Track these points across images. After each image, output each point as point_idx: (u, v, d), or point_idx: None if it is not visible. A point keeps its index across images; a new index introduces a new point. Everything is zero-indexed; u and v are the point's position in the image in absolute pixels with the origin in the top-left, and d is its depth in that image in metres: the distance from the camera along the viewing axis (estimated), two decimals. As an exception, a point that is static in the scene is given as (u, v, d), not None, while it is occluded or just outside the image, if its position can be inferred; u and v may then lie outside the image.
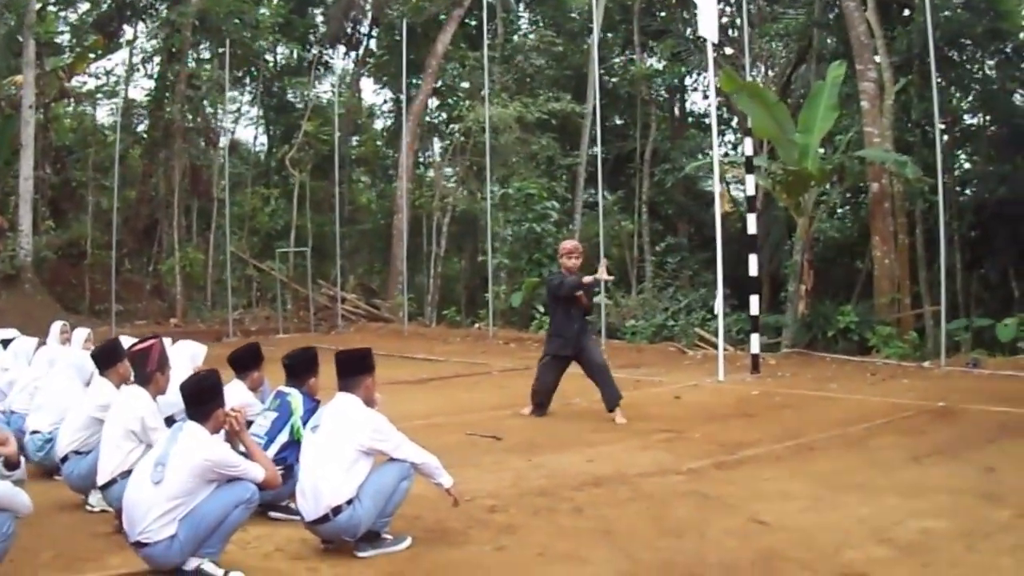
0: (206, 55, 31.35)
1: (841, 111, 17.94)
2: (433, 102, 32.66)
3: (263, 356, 8.11)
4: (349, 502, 5.82)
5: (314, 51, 36.59)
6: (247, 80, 34.16)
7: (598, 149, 24.35)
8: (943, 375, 14.03)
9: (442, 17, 29.74)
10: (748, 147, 14.65)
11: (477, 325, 24.11)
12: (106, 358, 7.68)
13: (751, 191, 14.69)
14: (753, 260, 14.66)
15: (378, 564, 5.85)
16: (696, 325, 19.82)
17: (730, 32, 22.34)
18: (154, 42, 29.33)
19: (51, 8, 29.41)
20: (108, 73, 31.62)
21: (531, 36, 30.76)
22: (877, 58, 18.23)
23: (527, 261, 23.97)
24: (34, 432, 8.18)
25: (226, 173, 26.49)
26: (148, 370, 6.87)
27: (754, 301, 14.72)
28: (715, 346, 17.37)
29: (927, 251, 18.53)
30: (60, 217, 28.95)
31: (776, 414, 11.03)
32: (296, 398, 7.04)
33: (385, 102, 37.25)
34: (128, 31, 30.30)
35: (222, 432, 5.92)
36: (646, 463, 8.53)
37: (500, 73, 28.76)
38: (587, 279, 10.81)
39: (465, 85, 31.71)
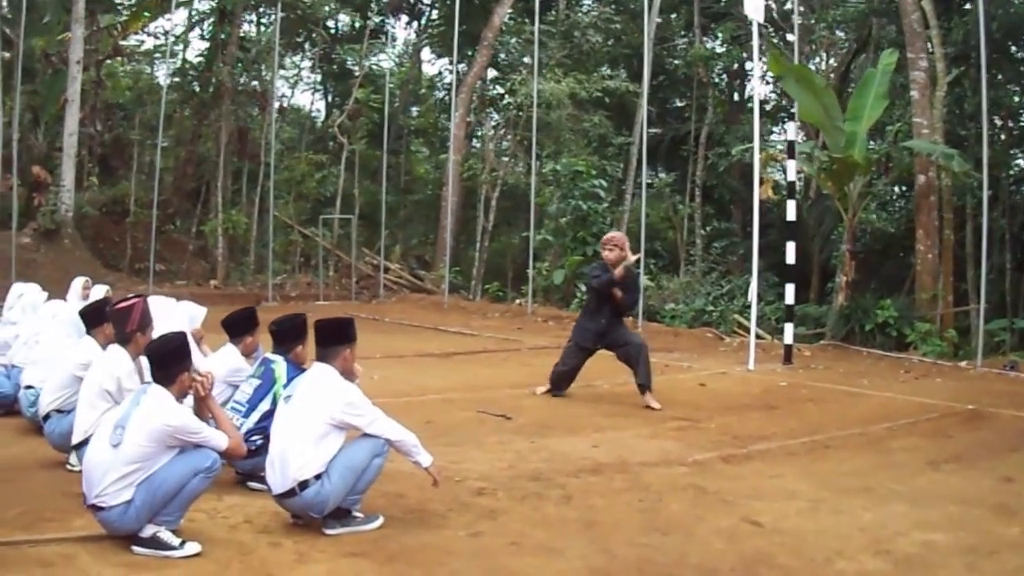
0: (267, 20, 31.41)
1: (892, 101, 17.38)
2: (491, 74, 32.42)
3: (258, 321, 7.83)
4: (318, 477, 5.60)
5: (375, 19, 36.61)
6: (307, 46, 34.08)
7: (638, 129, 23.77)
8: (978, 376, 13.49)
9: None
10: (791, 131, 14.23)
11: (518, 301, 23.83)
12: (93, 317, 7.56)
13: (791, 176, 14.23)
14: (791, 248, 14.21)
15: (343, 543, 5.63)
16: (736, 312, 19.39)
17: (794, 18, 21.66)
18: (207, 3, 29.17)
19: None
20: (167, 33, 31.68)
21: (592, 13, 30.10)
22: (931, 47, 17.60)
23: (572, 239, 23.60)
24: (27, 387, 8.07)
25: (272, 137, 26.36)
26: (128, 330, 6.68)
27: (789, 290, 14.28)
28: (757, 334, 17.07)
29: (975, 248, 17.89)
30: (110, 174, 29.06)
31: (799, 407, 10.65)
32: (280, 366, 6.82)
33: (439, 73, 37.10)
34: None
35: (190, 397, 5.70)
36: (652, 452, 8.22)
37: (556, 48, 28.36)
38: (617, 272, 10.39)
39: (525, 59, 31.33)
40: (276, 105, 28.19)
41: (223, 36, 27.61)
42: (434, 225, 31.63)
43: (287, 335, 6.97)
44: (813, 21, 25.20)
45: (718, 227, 26.84)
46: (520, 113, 27.78)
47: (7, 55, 24.70)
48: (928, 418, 10.03)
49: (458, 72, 29.16)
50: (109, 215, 27.81)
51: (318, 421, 5.69)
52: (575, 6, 31.08)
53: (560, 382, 11.07)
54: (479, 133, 33.67)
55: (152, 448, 5.30)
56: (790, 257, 14.21)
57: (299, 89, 37.34)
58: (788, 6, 26.96)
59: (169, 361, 5.57)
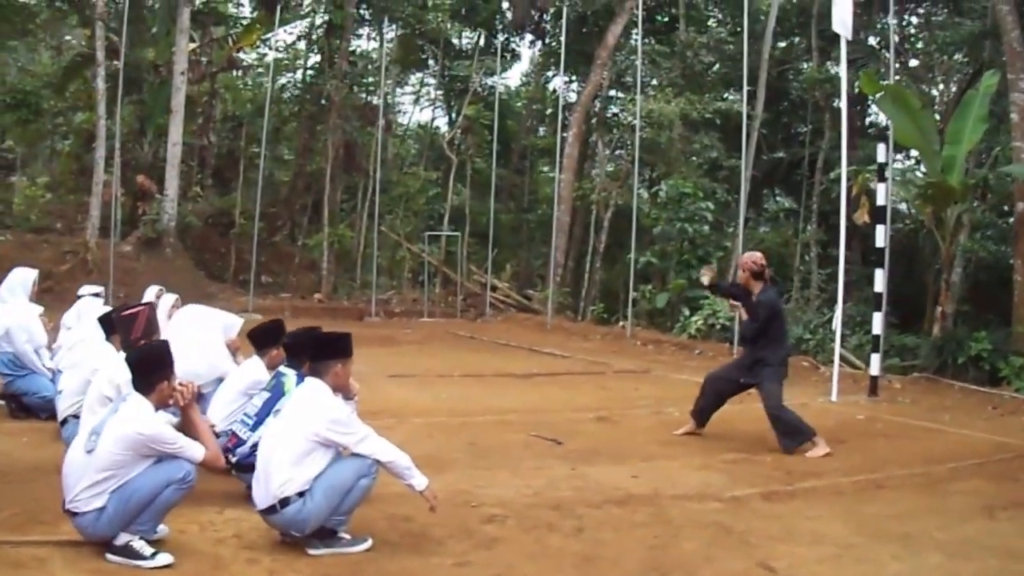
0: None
1: (996, 124, 16.53)
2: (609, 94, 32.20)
3: (286, 334, 7.74)
4: (301, 495, 5.49)
5: (500, 37, 36.87)
6: (431, 62, 34.37)
7: (750, 152, 23.21)
8: (1071, 417, 12.64)
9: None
10: (881, 153, 13.54)
11: (621, 324, 23.46)
12: (111, 323, 7.58)
13: (881, 201, 13.60)
14: (879, 275, 13.61)
15: (322, 564, 5.50)
16: (834, 341, 18.62)
17: (891, 35, 20.85)
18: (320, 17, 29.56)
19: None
20: (289, 47, 32.32)
21: (706, 33, 29.62)
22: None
23: (677, 262, 23.23)
24: (59, 391, 8.17)
25: (377, 151, 26.65)
26: (132, 337, 6.76)
27: (877, 319, 13.65)
28: (851, 364, 16.45)
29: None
30: (224, 186, 29.67)
31: (867, 443, 10.09)
32: (291, 379, 6.70)
33: (553, 92, 37.04)
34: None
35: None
36: (692, 484, 7.87)
37: (669, 68, 27.99)
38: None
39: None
40: (383, 120, 28.30)
41: (333, 50, 27.90)
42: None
43: (301, 349, 6.81)
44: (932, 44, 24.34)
45: (826, 253, 25.97)
46: (632, 133, 27.53)
47: (115, 63, 25.41)
48: (1001, 459, 9.38)
49: (562, 91, 29.01)
50: (216, 226, 28.38)
51: (302, 438, 5.56)
52: (697, 26, 30.56)
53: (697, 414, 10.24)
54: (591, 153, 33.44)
55: (125, 456, 5.25)
56: (878, 285, 13.61)
57: (420, 105, 37.83)
58: (910, 30, 26.19)
59: (149, 370, 5.52)
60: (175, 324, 9.86)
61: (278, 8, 26.54)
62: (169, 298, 11.60)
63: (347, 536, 5.75)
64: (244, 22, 31.21)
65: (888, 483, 8.14)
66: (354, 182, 29.95)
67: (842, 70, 13.49)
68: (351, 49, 29.94)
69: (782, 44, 31.58)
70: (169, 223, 25.47)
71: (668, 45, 29.04)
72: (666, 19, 32.46)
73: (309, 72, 30.24)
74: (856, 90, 28.18)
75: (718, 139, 27.43)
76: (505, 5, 36.01)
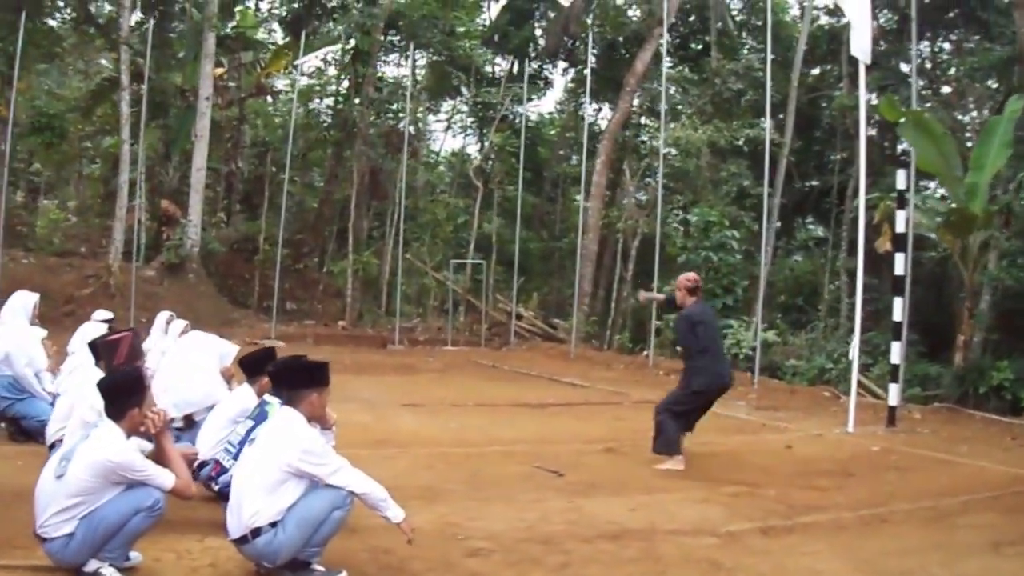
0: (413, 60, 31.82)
1: (1020, 149, 16.21)
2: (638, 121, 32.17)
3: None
4: (273, 525, 5.37)
5: (533, 65, 36.97)
6: (464, 89, 34.38)
7: (779, 180, 22.99)
8: (1094, 448, 12.29)
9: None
10: (900, 180, 13.33)
11: (645, 353, 23.19)
12: (97, 349, 7.54)
13: (900, 228, 13.37)
14: (898, 304, 13.37)
15: None
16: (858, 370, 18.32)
17: (912, 55, 20.57)
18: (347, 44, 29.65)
19: (243, 6, 30.30)
20: (316, 72, 32.44)
21: (734, 60, 29.42)
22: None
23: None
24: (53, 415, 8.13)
25: (402, 178, 26.49)
26: (116, 363, 6.69)
27: (895, 348, 13.37)
28: (873, 393, 16.16)
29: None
30: (252, 211, 29.71)
31: (878, 475, 9.84)
32: (275, 407, 6.55)
33: (582, 118, 36.95)
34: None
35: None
36: (689, 519, 7.66)
37: (697, 96, 27.84)
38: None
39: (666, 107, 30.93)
40: (408, 147, 28.26)
41: (358, 77, 27.92)
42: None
43: (283, 377, 6.66)
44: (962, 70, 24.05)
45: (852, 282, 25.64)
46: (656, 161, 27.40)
47: (141, 88, 25.56)
48: (1016, 492, 9.11)
49: (585, 118, 28.93)
50: (241, 252, 28.40)
51: (274, 467, 5.46)
52: (729, 53, 30.35)
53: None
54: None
55: (94, 483, 5.20)
56: (897, 314, 13.35)
57: (452, 132, 37.87)
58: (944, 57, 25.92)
59: (120, 396, 5.47)
60: (177, 351, 9.86)
61: (304, 34, 26.64)
62: (179, 324, 11.63)
63: (321, 568, 5.61)
64: (272, 48, 31.28)
65: (893, 517, 7.90)
66: (382, 209, 29.91)
67: (861, 96, 13.26)
68: (379, 75, 29.89)
69: (815, 71, 31.35)
70: (192, 248, 25.49)
71: (698, 72, 28.90)
72: (699, 47, 32.29)
73: (336, 98, 30.18)
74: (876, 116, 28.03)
75: (747, 167, 27.16)
76: (539, 32, 36.05)
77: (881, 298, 23.29)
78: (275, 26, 32.08)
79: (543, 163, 35.66)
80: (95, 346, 7.59)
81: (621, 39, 30.13)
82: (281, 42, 31.45)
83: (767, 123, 21.76)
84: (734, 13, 32.76)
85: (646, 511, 7.86)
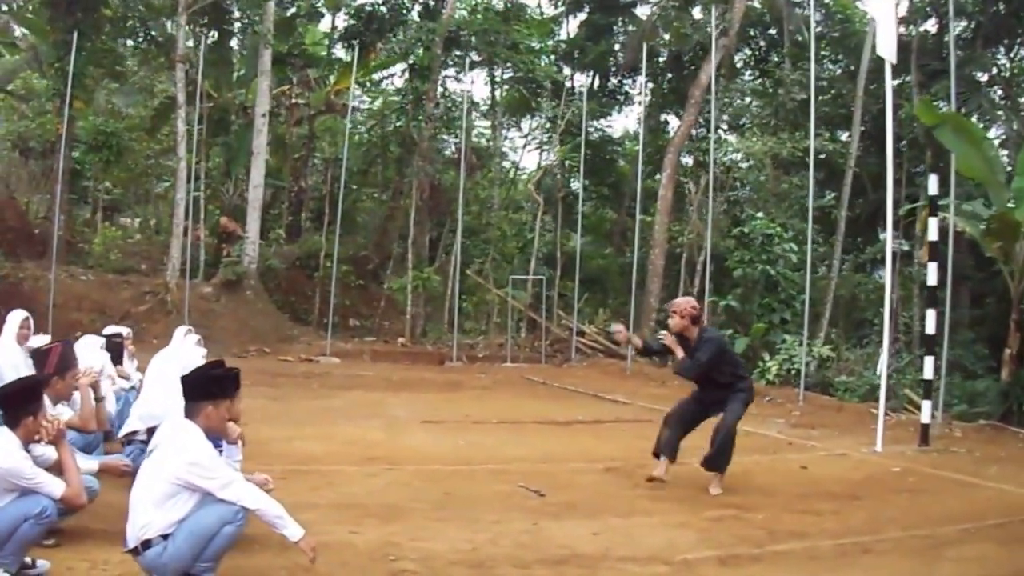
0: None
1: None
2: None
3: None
4: (166, 537, 5.25)
5: (613, 80, 36.74)
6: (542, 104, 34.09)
7: (825, 190, 22.20)
8: None
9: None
10: (932, 186, 12.60)
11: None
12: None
13: (933, 236, 12.63)
14: (931, 316, 12.62)
15: None
16: (907, 386, 17.47)
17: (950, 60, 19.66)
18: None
19: (303, 20, 30.40)
20: (376, 86, 32.42)
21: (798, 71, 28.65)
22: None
23: (758, 305, 22.31)
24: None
25: (461, 193, 26.23)
26: (45, 372, 6.66)
27: (928, 363, 12.62)
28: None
29: None
30: (321, 227, 29.64)
31: (886, 499, 9.16)
32: None
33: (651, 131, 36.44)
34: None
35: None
36: (651, 545, 7.17)
37: (761, 107, 27.15)
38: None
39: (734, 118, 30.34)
40: (475, 163, 28.04)
41: (418, 93, 27.75)
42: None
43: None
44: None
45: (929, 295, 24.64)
46: (726, 174, 26.80)
47: (204, 106, 25.77)
48: (1025, 519, 8.39)
49: (643, 130, 28.46)
50: (303, 268, 28.38)
51: (164, 480, 5.32)
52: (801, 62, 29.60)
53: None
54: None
55: None
56: (929, 327, 12.61)
57: (529, 148, 37.63)
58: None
59: (14, 404, 5.48)
60: (152, 364, 9.74)
61: (358, 51, 26.67)
62: (193, 338, 11.61)
63: None
64: (338, 65, 31.37)
65: (877, 547, 7.29)
66: (448, 226, 29.72)
67: (887, 97, 12.50)
68: (444, 91, 29.73)
69: (896, 82, 30.36)
70: (250, 265, 25.53)
71: (764, 83, 28.25)
72: (763, 56, 31.62)
73: (398, 114, 30.08)
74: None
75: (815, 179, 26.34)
76: (617, 47, 35.75)
77: (954, 312, 22.36)
78: (338, 44, 32.02)
79: (623, 178, 35.20)
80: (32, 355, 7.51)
81: (688, 51, 29.43)
82: (346, 59, 31.42)
83: (809, 131, 20.84)
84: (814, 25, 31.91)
85: (609, 535, 7.42)
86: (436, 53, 27.58)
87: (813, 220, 24.90)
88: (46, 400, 6.35)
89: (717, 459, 9.17)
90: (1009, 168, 16.14)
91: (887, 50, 12.04)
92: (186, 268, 23.93)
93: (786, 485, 9.62)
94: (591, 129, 34.84)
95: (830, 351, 20.06)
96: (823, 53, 31.85)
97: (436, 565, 6.41)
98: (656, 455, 9.52)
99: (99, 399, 7.56)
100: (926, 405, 12.48)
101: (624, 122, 38.92)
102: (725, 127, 31.14)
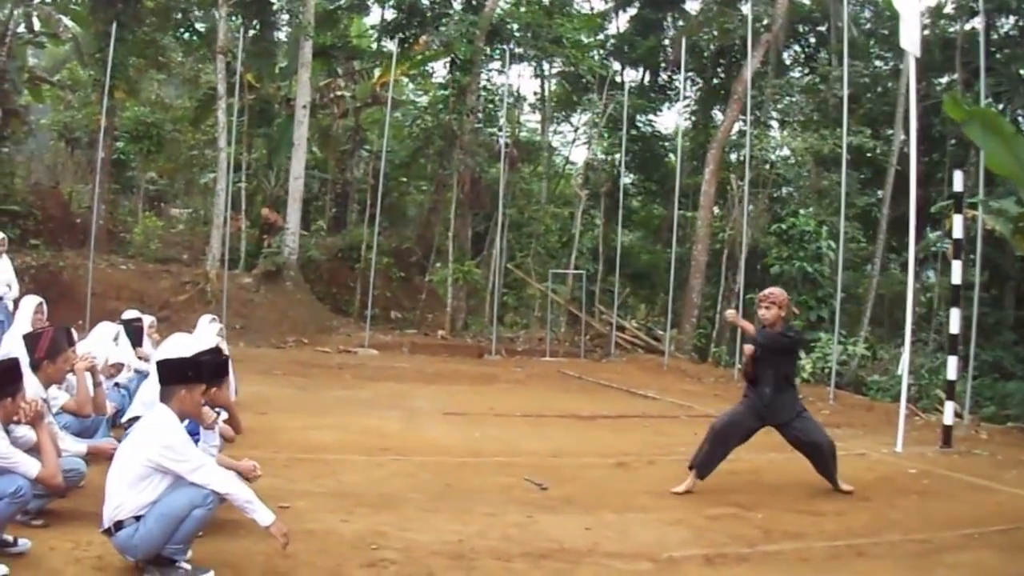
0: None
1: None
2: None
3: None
4: (138, 519, 5.40)
5: (663, 76, 36.58)
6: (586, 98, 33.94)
7: (867, 188, 21.89)
8: None
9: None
10: (957, 182, 12.36)
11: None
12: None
13: (957, 234, 12.39)
14: (954, 315, 12.37)
15: None
16: (939, 387, 17.15)
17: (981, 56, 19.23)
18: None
19: (347, 13, 30.46)
20: (422, 74, 32.40)
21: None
22: None
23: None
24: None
25: (502, 187, 26.15)
26: (35, 357, 6.72)
27: (951, 363, 12.35)
28: (959, 413, 15.01)
29: None
30: (371, 220, 29.72)
31: (894, 501, 8.97)
32: None
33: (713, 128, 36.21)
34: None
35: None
36: (641, 542, 7.11)
37: (802, 104, 26.83)
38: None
39: (775, 115, 29.99)
40: (515, 156, 27.95)
41: (462, 85, 27.70)
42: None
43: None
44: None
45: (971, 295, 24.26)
46: (768, 170, 26.54)
47: (248, 97, 25.90)
48: (1035, 527, 8.17)
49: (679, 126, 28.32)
50: (346, 260, 28.45)
51: (137, 462, 5.49)
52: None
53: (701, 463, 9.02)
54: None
55: None
56: (953, 326, 12.37)
57: (579, 142, 37.50)
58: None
59: None
60: (164, 347, 9.92)
61: (402, 44, 26.70)
62: (214, 327, 11.91)
63: (186, 567, 5.56)
64: (383, 57, 31.40)
65: (873, 551, 7.14)
66: (492, 218, 29.69)
67: (911, 88, 12.26)
68: (488, 84, 29.68)
69: (942, 80, 29.88)
70: (290, 256, 25.63)
71: (817, 76, 27.94)
72: (824, 55, 31.24)
73: (441, 107, 30.10)
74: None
75: (857, 178, 26.01)
76: (666, 42, 35.57)
77: (991, 312, 21.98)
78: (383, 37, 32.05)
79: (671, 173, 35.01)
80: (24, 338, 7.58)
81: (733, 47, 29.14)
82: (385, 49, 31.47)
83: (838, 126, 20.55)
84: (863, 22, 31.50)
85: (601, 531, 7.35)
86: (478, 46, 27.50)
87: (856, 219, 24.69)
88: (35, 382, 6.48)
89: (834, 471, 9.19)
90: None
91: (911, 43, 11.85)
92: (233, 259, 24.07)
93: (794, 484, 9.45)
94: (640, 124, 34.76)
95: (865, 350, 19.74)
96: (872, 50, 31.44)
97: (417, 555, 6.39)
98: (691, 468, 9.03)
99: (97, 384, 7.63)
100: (948, 406, 12.23)
101: (675, 118, 38.97)
102: (775, 124, 30.80)
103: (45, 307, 10.49)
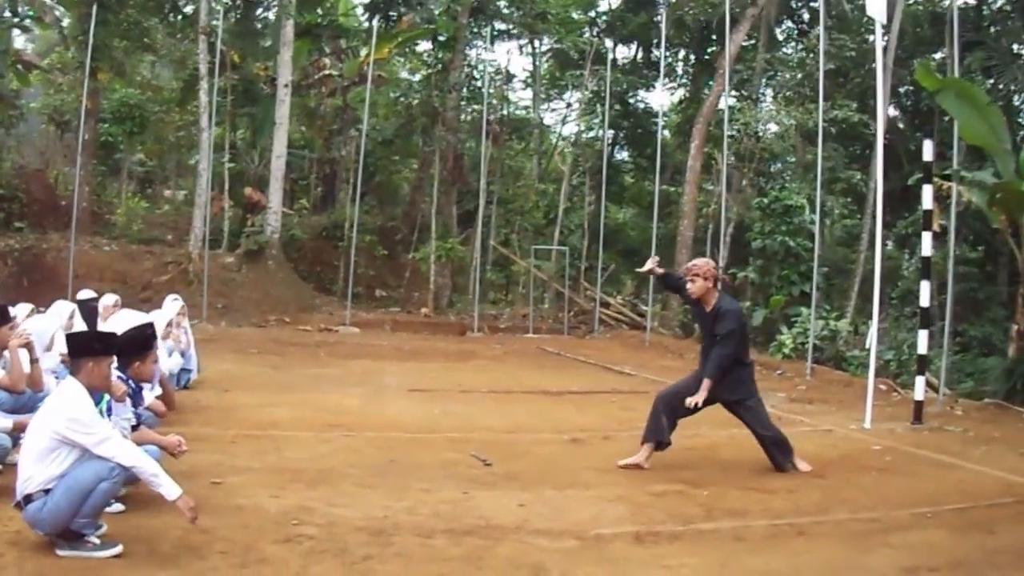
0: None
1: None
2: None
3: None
4: (48, 492, 5.36)
5: (656, 52, 36.21)
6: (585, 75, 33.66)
7: (853, 163, 21.60)
8: None
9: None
10: (927, 151, 12.09)
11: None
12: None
13: (927, 205, 12.12)
14: (925, 288, 12.12)
15: (59, 567, 5.31)
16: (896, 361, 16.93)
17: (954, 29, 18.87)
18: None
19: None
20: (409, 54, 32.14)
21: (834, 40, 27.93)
22: None
23: (778, 277, 21.83)
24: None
25: (483, 163, 25.91)
26: None
27: (922, 337, 12.10)
28: (935, 388, 14.77)
29: None
30: (361, 198, 29.44)
31: (851, 478, 8.71)
32: None
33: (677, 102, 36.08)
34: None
35: None
36: (574, 519, 6.88)
37: (788, 78, 26.53)
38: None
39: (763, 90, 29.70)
40: (497, 132, 27.71)
41: (443, 63, 27.44)
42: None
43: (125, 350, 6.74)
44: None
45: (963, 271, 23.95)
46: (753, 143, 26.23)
47: (233, 77, 25.64)
48: (995, 504, 7.89)
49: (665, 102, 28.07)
50: (330, 239, 28.26)
51: (45, 435, 5.43)
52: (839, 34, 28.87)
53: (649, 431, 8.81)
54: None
55: None
56: (924, 300, 12.09)
57: (569, 119, 37.32)
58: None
59: None
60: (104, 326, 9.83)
61: (387, 21, 26.46)
62: (175, 305, 12.02)
63: (95, 540, 5.51)
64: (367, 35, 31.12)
65: (814, 530, 6.87)
66: (476, 195, 29.51)
67: (878, 63, 11.96)
68: (470, 61, 29.41)
69: (938, 56, 29.50)
70: (272, 235, 25.45)
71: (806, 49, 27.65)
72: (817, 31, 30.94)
73: (423, 84, 29.79)
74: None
75: (845, 153, 25.71)
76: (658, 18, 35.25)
77: (981, 287, 21.65)
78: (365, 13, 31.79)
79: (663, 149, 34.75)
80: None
81: (715, 22, 28.86)
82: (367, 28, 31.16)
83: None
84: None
85: (536, 507, 7.16)
86: (461, 23, 27.22)
87: (846, 194, 24.39)
88: None
89: (779, 458, 8.86)
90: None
91: (877, 10, 11.56)
92: (216, 239, 23.92)
93: (750, 461, 9.20)
94: (631, 101, 34.54)
95: (847, 325, 19.50)
96: (866, 25, 31.05)
97: (337, 532, 6.23)
98: (644, 443, 8.79)
99: (34, 360, 7.49)
100: (919, 381, 11.98)
101: (664, 94, 38.81)
102: (768, 98, 30.49)
103: None
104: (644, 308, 28.07)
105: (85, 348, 5.78)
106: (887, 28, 24.94)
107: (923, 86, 14.27)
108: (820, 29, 20.03)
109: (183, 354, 11.94)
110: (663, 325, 26.41)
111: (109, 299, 12.29)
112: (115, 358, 6.52)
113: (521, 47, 34.34)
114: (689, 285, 8.71)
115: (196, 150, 29.49)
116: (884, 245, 26.09)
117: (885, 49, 26.01)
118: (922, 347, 12.10)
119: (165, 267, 24.37)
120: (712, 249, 26.86)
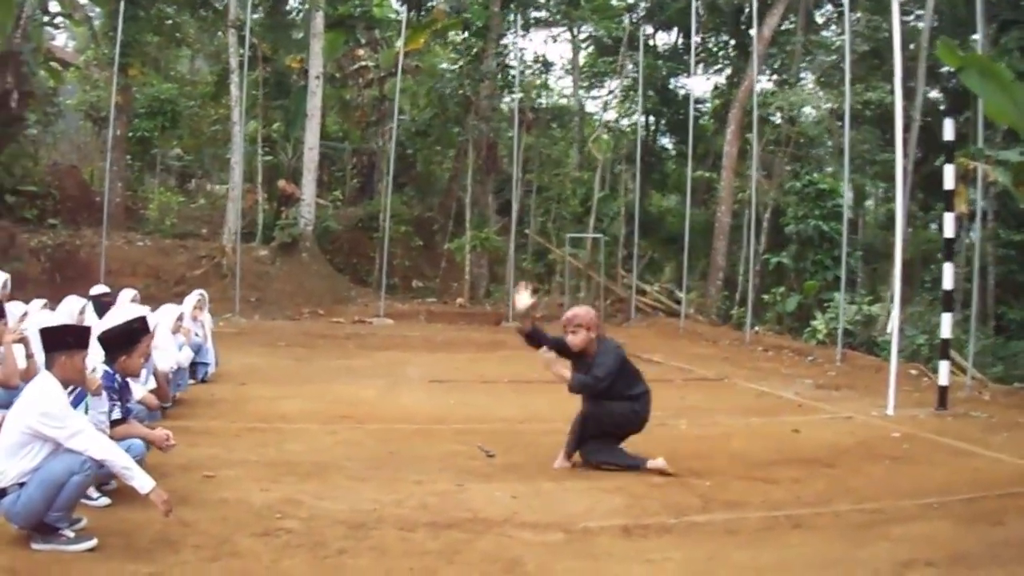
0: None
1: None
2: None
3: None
4: (22, 486, 5.37)
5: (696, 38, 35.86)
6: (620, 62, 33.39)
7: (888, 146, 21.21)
8: None
9: None
10: (948, 130, 11.76)
11: (756, 328, 21.75)
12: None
13: (949, 184, 11.80)
14: (948, 270, 11.81)
15: (33, 560, 5.31)
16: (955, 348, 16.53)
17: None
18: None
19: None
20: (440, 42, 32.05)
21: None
22: None
23: (812, 262, 21.51)
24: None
25: (516, 152, 25.76)
26: None
27: (946, 320, 11.79)
28: (964, 371, 14.47)
29: None
30: (399, 189, 29.40)
31: (860, 468, 8.48)
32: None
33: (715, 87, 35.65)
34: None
35: None
36: (565, 511, 6.77)
37: (826, 60, 26.14)
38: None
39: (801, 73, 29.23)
40: (518, 119, 27.43)
41: (476, 51, 27.30)
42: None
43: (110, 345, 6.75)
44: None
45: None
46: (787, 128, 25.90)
47: (266, 69, 25.67)
48: (1006, 494, 7.62)
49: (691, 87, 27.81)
50: (366, 230, 28.23)
51: (17, 430, 5.44)
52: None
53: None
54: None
55: None
56: (947, 282, 11.79)
57: (610, 107, 37.01)
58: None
59: None
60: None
61: (420, 11, 26.34)
62: (191, 299, 12.05)
63: (69, 534, 5.51)
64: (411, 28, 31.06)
65: (812, 522, 6.68)
66: (510, 183, 29.37)
67: (895, 37, 11.66)
68: (498, 50, 29.21)
69: (975, 38, 28.90)
70: (306, 227, 25.45)
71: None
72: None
73: (456, 74, 29.63)
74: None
75: (880, 135, 25.28)
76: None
77: (1020, 271, 21.22)
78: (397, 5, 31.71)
79: (706, 136, 34.40)
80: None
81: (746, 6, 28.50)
82: (414, 21, 31.06)
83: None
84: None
85: (528, 500, 7.05)
86: (493, 11, 27.06)
87: (882, 177, 23.96)
88: None
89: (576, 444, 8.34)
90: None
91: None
92: (250, 232, 23.99)
93: (760, 451, 9.04)
94: (671, 87, 34.20)
95: (880, 310, 19.17)
96: (903, 7, 30.49)
97: (316, 525, 6.16)
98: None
99: (30, 356, 7.51)
100: (943, 365, 11.69)
101: (707, 80, 38.37)
102: (808, 82, 30.05)
103: (10, 284, 10.34)
104: (680, 295, 27.80)
105: (58, 342, 5.77)
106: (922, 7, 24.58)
107: (946, 63, 13.87)
108: (845, 8, 19.51)
109: (198, 348, 11.92)
110: (701, 312, 26.09)
111: (127, 294, 12.23)
112: (105, 352, 6.58)
113: (555, 37, 34.04)
114: (570, 338, 8.22)
115: (229, 144, 29.70)
116: (925, 228, 25.79)
117: (921, 30, 25.58)
118: (945, 331, 11.79)
119: (199, 261, 24.43)
120: (749, 235, 26.59)
